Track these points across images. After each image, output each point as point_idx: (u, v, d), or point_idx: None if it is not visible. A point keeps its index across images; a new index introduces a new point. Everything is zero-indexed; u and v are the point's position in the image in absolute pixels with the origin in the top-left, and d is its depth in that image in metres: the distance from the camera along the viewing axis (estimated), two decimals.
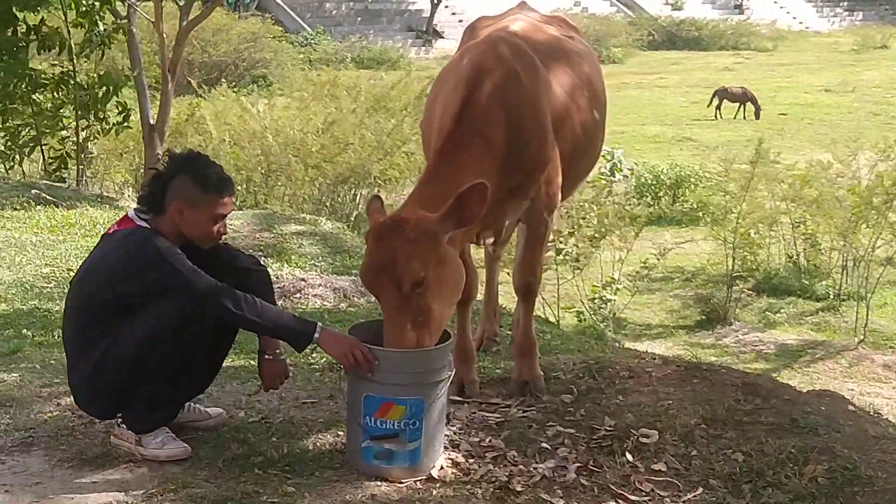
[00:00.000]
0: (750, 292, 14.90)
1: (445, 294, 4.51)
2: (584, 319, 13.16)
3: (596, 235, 13.61)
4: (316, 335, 4.49)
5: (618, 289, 13.71)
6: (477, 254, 6.28)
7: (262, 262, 4.99)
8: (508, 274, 6.34)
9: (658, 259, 14.23)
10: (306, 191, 15.43)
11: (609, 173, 17.56)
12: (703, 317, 14.07)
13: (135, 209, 4.65)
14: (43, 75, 13.45)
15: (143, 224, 4.55)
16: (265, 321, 4.52)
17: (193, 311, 4.40)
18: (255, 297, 4.48)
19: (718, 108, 30.67)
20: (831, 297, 14.70)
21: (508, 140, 4.84)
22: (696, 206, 18.54)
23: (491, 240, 5.21)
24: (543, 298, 12.80)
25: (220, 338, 4.74)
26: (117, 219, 4.85)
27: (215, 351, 4.80)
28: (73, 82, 13.39)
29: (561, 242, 13.09)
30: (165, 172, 4.59)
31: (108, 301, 4.47)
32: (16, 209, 10.76)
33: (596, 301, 13.46)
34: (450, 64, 5.50)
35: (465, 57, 5.13)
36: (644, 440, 4.72)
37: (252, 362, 5.71)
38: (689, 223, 18.49)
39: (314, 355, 5.95)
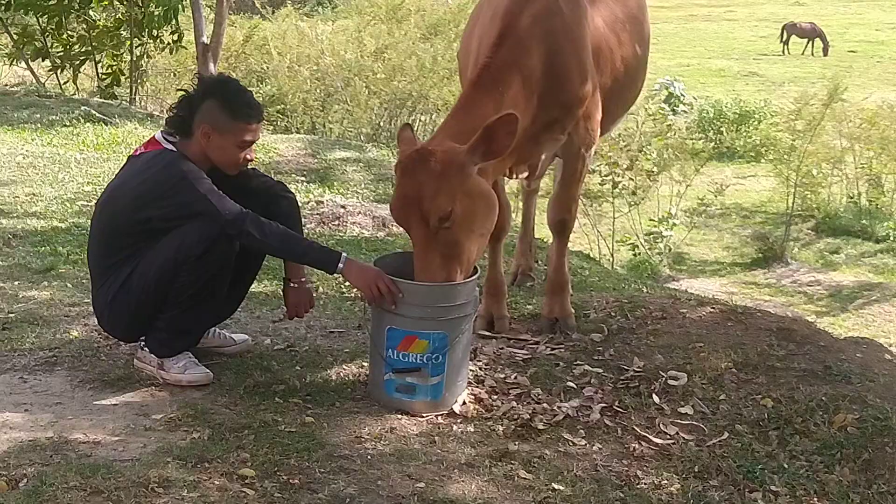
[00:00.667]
0: (809, 232, 14.69)
1: (475, 227, 4.40)
2: (639, 254, 13.04)
3: (655, 169, 13.44)
4: (340, 265, 4.42)
5: (674, 224, 13.56)
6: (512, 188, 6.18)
7: (290, 189, 4.91)
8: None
9: (716, 195, 14.05)
10: (363, 115, 15.35)
11: (668, 106, 17.32)
12: (760, 255, 13.91)
13: (162, 131, 4.59)
14: None
15: (170, 147, 4.49)
16: (289, 249, 4.48)
17: (217, 236, 4.34)
18: (279, 224, 4.42)
19: (786, 43, 30.10)
20: (892, 238, 14.44)
21: (546, 72, 4.69)
22: (758, 143, 18.25)
23: (525, 174, 5.09)
24: (599, 232, 12.72)
25: (245, 264, 4.69)
26: None
27: (241, 277, 4.75)
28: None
29: (617, 176, 12.94)
30: (194, 95, 4.51)
31: (132, 224, 4.42)
32: (65, 125, 10.78)
33: (652, 236, 13.33)
34: None
35: None
36: (672, 382, 4.64)
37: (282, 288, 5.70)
38: (750, 160, 18.22)
39: (346, 284, 5.90)
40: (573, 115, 4.88)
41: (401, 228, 7.16)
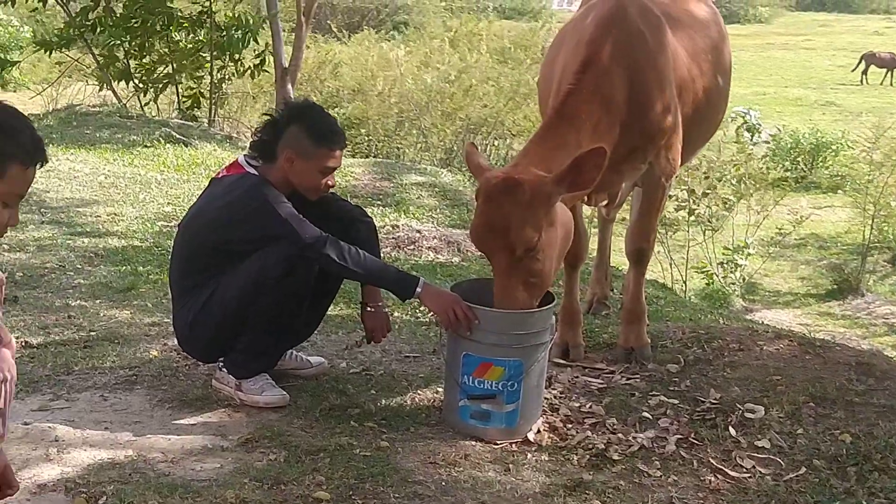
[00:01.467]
0: (886, 264, 14.48)
1: (553, 255, 4.41)
2: (713, 283, 12.94)
3: (732, 198, 13.34)
4: (418, 290, 4.45)
5: (749, 253, 13.44)
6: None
7: (368, 213, 4.95)
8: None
9: (794, 226, 13.91)
10: (437, 140, 15.41)
11: (748, 135, 17.19)
12: (835, 286, 13.74)
13: (244, 155, 4.65)
14: (180, 13, 13.58)
15: (252, 171, 4.54)
16: (368, 273, 4.50)
17: (297, 259, 4.38)
18: (358, 249, 4.46)
19: (865, 73, 29.74)
20: None
21: (629, 101, 4.68)
22: (835, 173, 18.06)
23: (605, 202, 5.08)
24: (672, 259, 12.65)
25: (323, 287, 4.73)
26: None
27: (319, 300, 4.79)
28: (209, 22, 13.48)
29: (694, 203, 12.86)
30: (280, 120, 4.56)
31: (213, 246, 4.48)
32: (146, 146, 10.95)
33: (726, 265, 13.21)
34: (571, 21, 5.37)
35: (589, 14, 4.98)
36: (749, 415, 4.59)
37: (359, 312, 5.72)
38: (826, 190, 18.02)
39: (422, 309, 5.92)
40: (655, 144, 4.87)
41: (477, 254, 7.27)
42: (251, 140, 4.73)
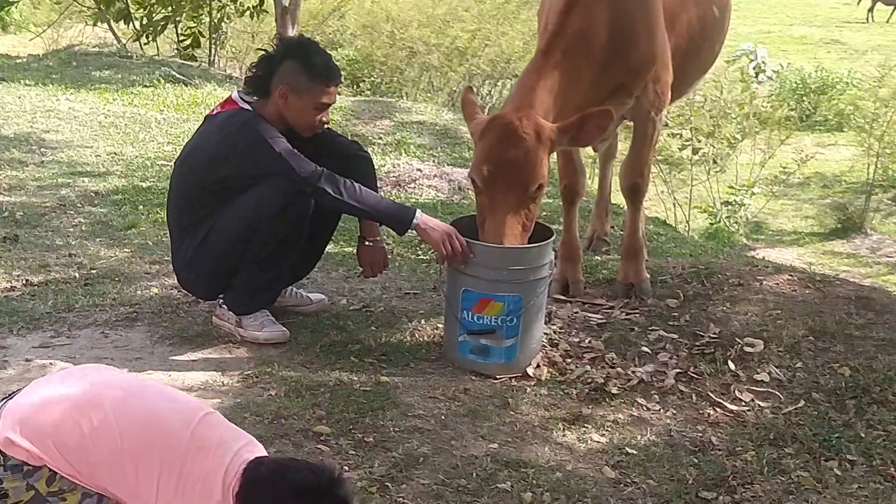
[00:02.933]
0: (890, 202, 14.42)
1: (534, 215, 4.48)
2: (717, 222, 12.91)
3: (737, 137, 13.26)
4: (415, 221, 4.44)
5: (753, 193, 13.39)
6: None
7: (365, 149, 4.92)
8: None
9: (798, 165, 13.85)
10: (440, 82, 15.33)
11: (752, 73, 17.08)
12: (839, 225, 13.68)
13: (238, 91, 4.62)
14: None
15: (246, 106, 4.52)
16: (364, 205, 4.47)
17: (294, 194, 4.38)
18: (354, 182, 4.44)
19: (871, 10, 29.46)
20: None
21: (612, 37, 4.64)
22: (840, 112, 17.94)
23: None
24: (676, 199, 12.61)
25: (321, 223, 4.72)
26: None
27: (317, 236, 4.79)
28: None
29: (698, 142, 12.80)
30: (274, 56, 4.53)
31: (209, 183, 4.47)
32: (145, 86, 10.92)
33: (730, 204, 13.17)
34: None
35: None
36: (748, 349, 4.60)
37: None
38: (831, 129, 17.92)
39: (422, 247, 5.92)
40: (640, 78, 4.84)
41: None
42: (245, 75, 4.71)
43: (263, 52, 4.60)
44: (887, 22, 29.48)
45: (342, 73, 4.87)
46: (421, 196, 7.33)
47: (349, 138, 5.09)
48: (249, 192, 4.40)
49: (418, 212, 4.48)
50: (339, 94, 4.70)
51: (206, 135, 4.57)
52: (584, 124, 4.33)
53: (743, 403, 4.27)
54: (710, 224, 12.83)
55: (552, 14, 4.67)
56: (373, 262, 4.77)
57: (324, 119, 4.57)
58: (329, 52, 4.74)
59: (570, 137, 4.37)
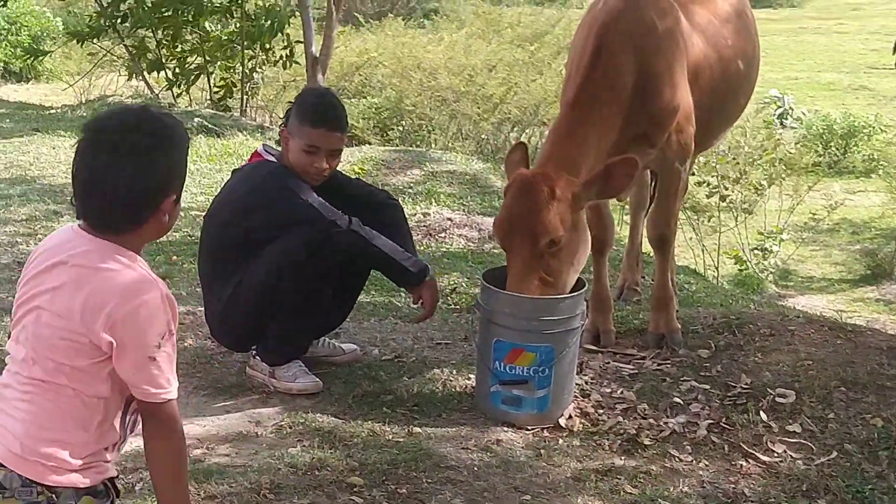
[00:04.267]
0: None
1: (573, 260, 4.50)
2: (745, 269, 12.88)
3: (763, 183, 13.26)
4: (427, 279, 4.60)
5: (782, 239, 13.37)
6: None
7: (395, 197, 4.99)
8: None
9: (828, 211, 13.82)
10: (469, 129, 15.38)
11: (778, 120, 17.07)
12: (869, 271, 13.61)
13: (263, 145, 4.72)
14: (211, 3, 13.61)
15: (271, 158, 4.60)
16: (387, 251, 4.57)
17: (319, 241, 4.43)
18: (373, 231, 4.53)
19: None
20: None
21: (636, 88, 4.71)
22: (869, 158, 17.90)
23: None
24: (704, 245, 12.61)
25: (354, 273, 4.78)
26: None
27: (349, 287, 4.83)
28: (240, 11, 13.51)
29: (725, 189, 12.81)
30: (290, 106, 4.64)
31: (237, 235, 4.54)
32: None
33: (758, 251, 13.15)
34: (590, 7, 5.39)
35: (602, 1, 5.01)
36: (780, 400, 4.60)
37: (392, 300, 5.76)
38: (860, 174, 17.87)
39: (453, 296, 5.97)
40: (663, 129, 4.89)
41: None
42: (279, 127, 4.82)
43: (290, 104, 4.72)
44: None
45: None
46: (451, 245, 7.36)
47: (378, 187, 5.16)
48: (276, 243, 4.47)
49: (431, 270, 4.68)
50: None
51: (231, 188, 4.66)
52: (609, 175, 4.38)
53: (775, 454, 4.26)
54: (740, 270, 12.81)
55: (578, 63, 4.74)
56: (433, 299, 4.76)
57: (317, 165, 4.57)
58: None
59: (598, 190, 4.43)
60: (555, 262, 4.38)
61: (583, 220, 4.54)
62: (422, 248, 7.18)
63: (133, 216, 2.56)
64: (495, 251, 7.25)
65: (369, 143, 13.06)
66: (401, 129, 15.28)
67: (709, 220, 12.94)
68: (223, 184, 4.86)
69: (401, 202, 5.15)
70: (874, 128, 18.70)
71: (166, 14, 13.35)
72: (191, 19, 13.36)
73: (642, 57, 4.74)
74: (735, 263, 12.75)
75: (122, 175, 2.50)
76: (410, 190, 8.59)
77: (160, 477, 2.69)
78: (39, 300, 2.56)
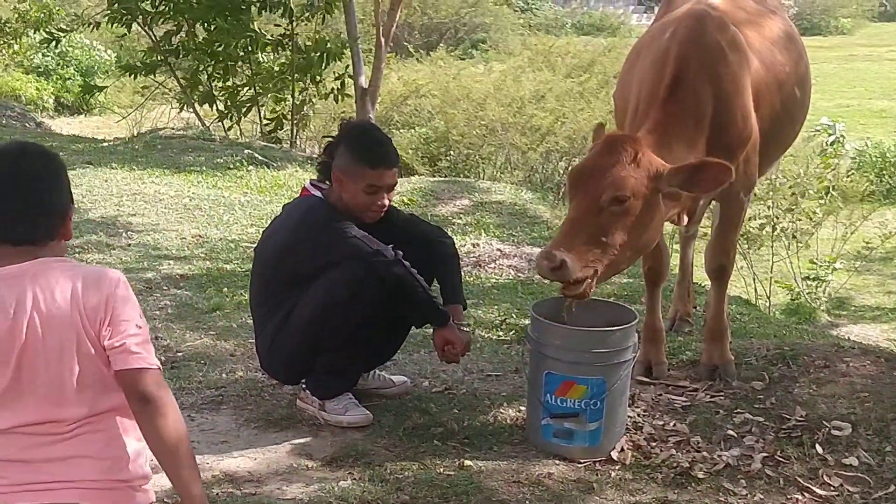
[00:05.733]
0: None
1: (630, 237, 4.28)
2: (798, 298, 12.77)
3: (818, 212, 13.16)
4: (443, 324, 4.62)
5: (835, 268, 13.24)
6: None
7: (448, 234, 4.98)
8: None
9: (882, 240, 13.69)
10: (518, 159, 15.38)
11: (831, 148, 16.94)
12: None
13: (311, 180, 4.73)
14: (262, 36, 13.72)
15: (316, 193, 4.61)
16: (426, 290, 4.59)
17: (364, 279, 4.42)
18: (412, 270, 4.52)
19: None
20: None
21: (713, 117, 4.68)
22: None
23: (686, 219, 5.04)
24: (756, 275, 12.52)
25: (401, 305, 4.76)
26: None
27: (400, 320, 4.82)
28: (291, 44, 13.60)
29: (778, 219, 12.72)
30: (333, 141, 4.65)
31: (283, 270, 4.57)
32: (229, 168, 11.11)
33: (811, 280, 13.03)
34: (647, 36, 5.37)
35: (668, 30, 4.96)
36: (836, 433, 4.53)
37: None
38: None
39: (503, 327, 5.95)
40: (734, 158, 4.84)
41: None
42: (316, 163, 4.81)
43: (328, 138, 4.71)
44: None
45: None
46: (501, 276, 7.35)
47: (430, 223, 5.15)
48: (322, 278, 4.48)
49: (450, 319, 4.68)
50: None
51: (278, 223, 4.70)
52: (701, 170, 4.27)
53: (831, 488, 4.19)
54: (792, 300, 12.70)
55: (651, 94, 4.70)
56: (453, 344, 4.72)
57: (380, 202, 4.59)
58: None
59: (684, 180, 4.28)
60: (611, 224, 4.21)
61: (660, 207, 4.39)
62: (471, 278, 7.18)
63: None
64: (545, 282, 7.22)
65: (418, 174, 13.11)
66: (449, 159, 15.32)
67: (759, 249, 12.86)
68: (273, 217, 4.87)
69: (449, 232, 5.14)
70: None
71: (218, 48, 13.47)
72: (242, 53, 13.46)
73: (719, 87, 4.71)
74: (787, 293, 12.65)
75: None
76: (459, 220, 8.60)
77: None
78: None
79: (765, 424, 4.65)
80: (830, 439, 4.50)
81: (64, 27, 15.60)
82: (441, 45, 29.41)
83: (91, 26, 14.58)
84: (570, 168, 4.52)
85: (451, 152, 15.41)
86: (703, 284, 6.80)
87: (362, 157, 4.52)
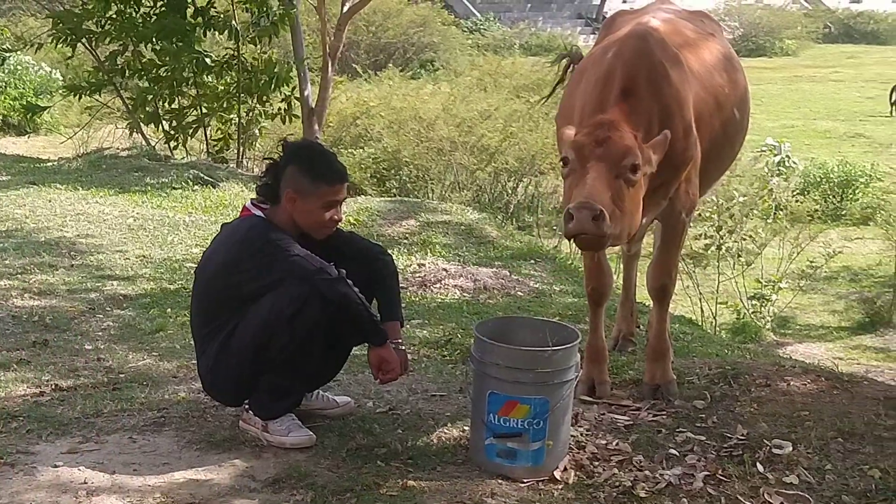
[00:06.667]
0: None
1: (634, 211, 4.50)
2: (743, 318, 12.87)
3: (761, 233, 13.28)
4: (381, 343, 4.63)
5: (780, 288, 13.36)
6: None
7: (387, 251, 4.98)
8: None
9: (826, 259, 13.83)
10: (467, 178, 15.43)
11: (777, 168, 17.11)
12: (867, 319, 13.60)
13: (252, 199, 4.72)
14: (209, 58, 13.68)
15: (258, 213, 4.60)
16: (367, 309, 4.59)
17: (307, 297, 4.41)
18: (354, 289, 4.52)
19: (894, 103, 29.51)
20: None
21: (659, 133, 4.71)
22: (866, 206, 17.95)
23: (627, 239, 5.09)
24: (701, 294, 12.62)
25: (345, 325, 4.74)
26: None
27: (340, 339, 4.79)
28: (237, 65, 13.57)
29: (723, 238, 12.83)
30: (279, 162, 4.65)
31: (224, 290, 4.54)
32: (175, 188, 11.07)
33: (757, 300, 13.14)
34: (589, 59, 5.41)
35: (610, 51, 5.01)
36: (777, 451, 4.56)
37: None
38: (857, 222, 17.91)
39: (448, 347, 5.95)
40: (678, 177, 4.90)
41: (503, 292, 7.26)
42: (256, 184, 4.80)
43: (270, 161, 4.71)
44: None
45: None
46: (447, 296, 7.35)
47: (372, 241, 5.15)
48: (264, 298, 4.46)
49: (388, 339, 4.69)
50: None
51: (219, 243, 4.69)
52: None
53: None
54: (738, 319, 12.79)
55: (596, 105, 4.78)
56: (389, 363, 4.72)
57: (335, 218, 4.63)
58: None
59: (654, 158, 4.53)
60: (625, 190, 4.38)
61: (643, 187, 4.57)
62: (417, 298, 7.18)
63: None
64: (490, 301, 7.25)
65: (367, 194, 13.11)
66: (398, 179, 15.33)
67: (705, 268, 12.96)
68: (213, 238, 4.85)
69: (396, 253, 5.16)
70: (871, 176, 18.77)
71: (164, 69, 13.40)
72: (189, 74, 13.41)
73: (663, 104, 4.78)
74: (733, 312, 12.75)
75: None
76: (406, 241, 8.60)
77: None
78: None
79: (706, 443, 4.68)
80: (771, 458, 4.53)
81: (8, 47, 15.47)
82: (390, 64, 29.39)
83: (35, 47, 14.48)
84: (569, 141, 4.55)
85: (400, 172, 15.42)
86: (646, 304, 6.84)
87: (319, 176, 4.54)
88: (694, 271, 12.58)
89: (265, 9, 13.25)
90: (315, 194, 4.53)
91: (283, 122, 14.12)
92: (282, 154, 4.67)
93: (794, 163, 18.82)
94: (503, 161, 15.27)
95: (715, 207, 12.48)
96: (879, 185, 17.92)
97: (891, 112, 29.51)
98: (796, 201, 15.26)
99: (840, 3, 54.96)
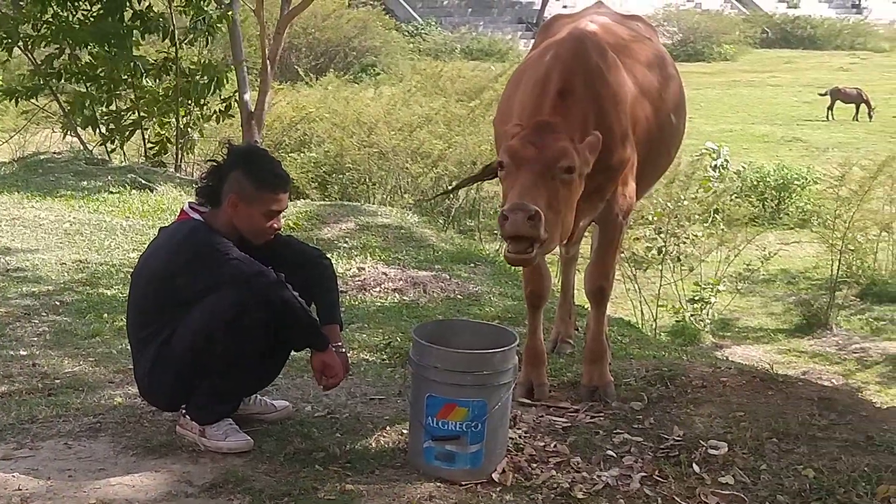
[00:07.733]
0: (854, 299, 14.52)
1: (567, 212, 4.55)
2: (682, 320, 12.97)
3: (697, 235, 13.40)
4: (323, 348, 4.62)
5: (718, 290, 13.47)
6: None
7: (327, 255, 4.96)
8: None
9: (763, 262, 13.97)
10: (408, 182, 15.41)
11: (715, 172, 17.25)
12: (805, 321, 13.75)
13: (189, 203, 4.67)
14: (146, 61, 13.59)
15: (197, 217, 4.57)
16: (307, 313, 4.58)
17: (248, 301, 4.38)
18: (294, 292, 4.50)
19: (831, 108, 29.91)
20: None
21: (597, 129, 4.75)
22: (802, 209, 18.16)
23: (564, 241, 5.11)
24: (643, 297, 12.70)
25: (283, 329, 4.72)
26: None
27: (279, 343, 4.77)
28: (175, 69, 13.48)
29: (661, 242, 12.92)
30: (223, 166, 4.60)
31: (162, 294, 4.49)
32: (111, 192, 10.99)
33: (696, 302, 13.24)
34: (527, 61, 5.43)
35: (548, 53, 5.04)
36: (713, 452, 4.61)
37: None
38: (794, 225, 18.11)
39: (387, 351, 5.94)
40: (614, 180, 4.93)
41: (443, 295, 7.26)
42: (196, 186, 4.75)
43: (213, 163, 4.66)
44: (854, 119, 29.81)
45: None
46: (386, 300, 7.35)
47: (312, 245, 5.13)
48: (203, 302, 4.42)
49: (330, 345, 4.68)
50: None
51: (156, 247, 4.63)
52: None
53: None
54: (677, 322, 12.88)
55: (534, 107, 4.80)
56: (332, 368, 4.72)
57: (275, 225, 4.61)
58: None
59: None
60: (559, 192, 4.43)
61: (579, 188, 4.61)
62: (356, 302, 7.17)
63: None
64: (430, 305, 7.25)
65: (309, 198, 13.06)
66: (340, 183, 15.29)
67: (646, 272, 13.05)
68: (150, 242, 4.80)
69: (335, 256, 5.14)
70: (807, 179, 18.98)
71: (101, 72, 13.28)
72: (126, 77, 13.30)
73: (600, 106, 4.80)
74: (673, 315, 12.84)
75: None
76: (345, 244, 8.58)
77: None
78: None
79: (643, 444, 4.71)
80: (707, 458, 4.57)
81: None
82: (331, 69, 29.33)
83: None
84: (507, 146, 4.58)
85: (342, 176, 15.38)
86: (584, 306, 6.88)
87: (264, 184, 4.51)
88: (635, 274, 12.66)
89: (202, 11, 13.18)
90: (259, 200, 4.50)
91: (218, 122, 14.05)
92: (226, 157, 4.63)
93: (730, 167, 19.01)
94: (444, 166, 15.27)
95: (656, 211, 12.57)
96: (816, 189, 18.11)
97: (827, 116, 29.91)
98: (735, 205, 15.41)
99: (777, 8, 55.59)
